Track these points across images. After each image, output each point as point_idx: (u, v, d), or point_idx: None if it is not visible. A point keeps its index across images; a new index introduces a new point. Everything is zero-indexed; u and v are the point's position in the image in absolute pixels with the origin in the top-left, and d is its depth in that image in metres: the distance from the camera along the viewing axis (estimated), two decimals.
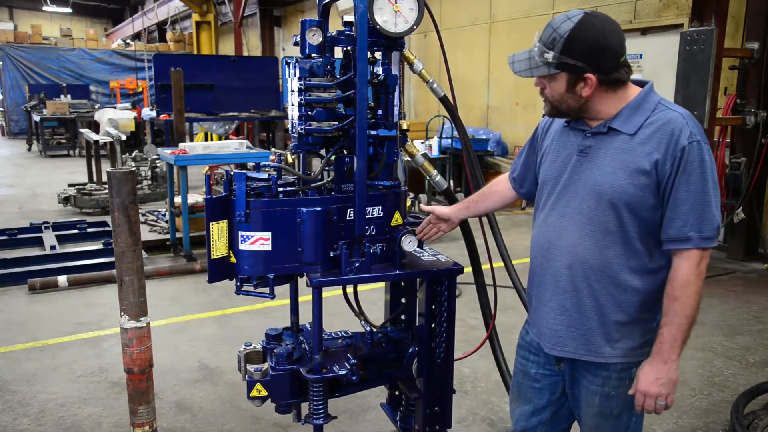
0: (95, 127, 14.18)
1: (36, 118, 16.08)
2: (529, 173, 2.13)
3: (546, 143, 1.99)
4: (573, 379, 1.96)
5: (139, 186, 9.45)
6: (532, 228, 2.04)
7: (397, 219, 2.39)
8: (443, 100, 2.65)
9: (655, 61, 7.64)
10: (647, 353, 1.81)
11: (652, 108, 1.75)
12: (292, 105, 2.32)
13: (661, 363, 1.75)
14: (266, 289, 2.28)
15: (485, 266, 2.73)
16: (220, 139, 13.51)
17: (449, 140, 9.10)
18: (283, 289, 2.57)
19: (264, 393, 2.41)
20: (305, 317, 2.61)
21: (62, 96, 17.07)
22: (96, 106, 17.39)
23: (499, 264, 2.70)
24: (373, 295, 4.55)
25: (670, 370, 1.75)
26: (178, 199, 6.50)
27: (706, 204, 1.69)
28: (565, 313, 1.86)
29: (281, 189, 2.25)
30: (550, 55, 1.70)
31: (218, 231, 2.21)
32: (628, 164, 1.72)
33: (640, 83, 1.81)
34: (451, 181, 9.08)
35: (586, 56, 1.69)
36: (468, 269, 2.67)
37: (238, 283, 2.30)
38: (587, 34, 1.68)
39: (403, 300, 2.68)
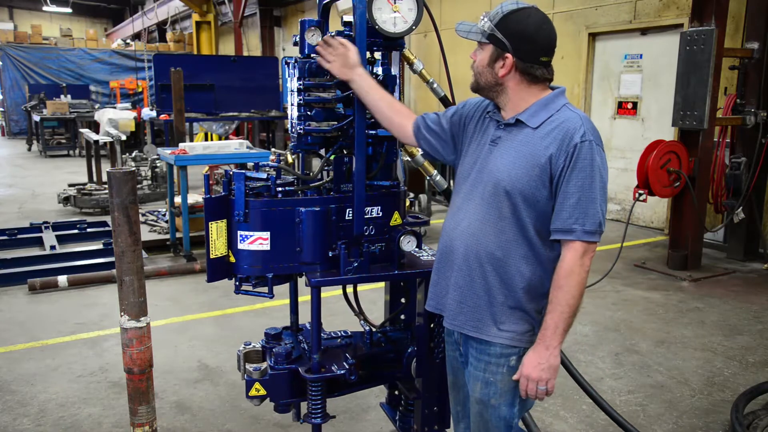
0: (95, 127, 14.17)
1: (36, 118, 16.08)
2: (439, 141, 2.14)
3: (469, 131, 2.08)
4: (466, 365, 2.05)
5: (139, 186, 9.45)
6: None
7: (396, 219, 2.39)
8: (443, 100, 2.65)
9: (655, 61, 7.64)
10: (529, 341, 1.91)
11: (557, 108, 1.88)
12: (292, 105, 2.32)
13: (543, 349, 1.85)
14: (265, 289, 2.29)
15: None
16: (220, 139, 13.52)
17: None
18: (283, 289, 2.57)
19: (263, 392, 2.41)
20: (305, 317, 2.61)
21: (62, 96, 17.05)
22: (96, 106, 17.38)
23: None
24: (373, 295, 4.55)
25: (551, 356, 1.84)
26: (178, 199, 6.50)
27: (591, 200, 1.80)
28: (458, 290, 1.97)
29: (280, 189, 2.26)
30: (486, 25, 1.86)
31: (217, 230, 2.21)
32: (527, 156, 1.85)
33: (554, 89, 1.94)
34: (451, 181, 9.06)
35: (513, 37, 1.83)
36: None
37: (237, 283, 2.30)
38: (522, 19, 1.84)
39: (402, 300, 2.68)
